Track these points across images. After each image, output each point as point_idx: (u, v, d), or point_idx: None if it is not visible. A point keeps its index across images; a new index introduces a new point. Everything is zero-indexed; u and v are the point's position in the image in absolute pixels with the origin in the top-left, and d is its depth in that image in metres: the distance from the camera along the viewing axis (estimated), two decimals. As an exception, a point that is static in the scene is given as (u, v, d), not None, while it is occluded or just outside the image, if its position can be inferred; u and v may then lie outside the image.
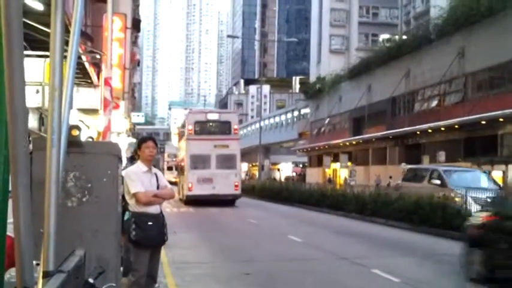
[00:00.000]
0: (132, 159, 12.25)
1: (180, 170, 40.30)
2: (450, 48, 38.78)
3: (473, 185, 21.27)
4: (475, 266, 10.80)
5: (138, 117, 55.34)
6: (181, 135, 41.43)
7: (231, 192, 34.02)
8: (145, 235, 6.86)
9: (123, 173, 7.30)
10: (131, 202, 6.94)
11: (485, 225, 11.15)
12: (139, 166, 7.12)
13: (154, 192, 7.04)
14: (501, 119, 31.52)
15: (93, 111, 19.53)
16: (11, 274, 3.19)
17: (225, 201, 33.29)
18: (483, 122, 33.19)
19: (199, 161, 34.25)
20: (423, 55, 42.95)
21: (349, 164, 54.29)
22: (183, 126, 39.13)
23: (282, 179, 72.04)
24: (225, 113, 45.51)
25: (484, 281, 10.47)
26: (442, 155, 34.67)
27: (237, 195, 34.89)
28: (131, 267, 7.13)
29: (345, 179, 52.37)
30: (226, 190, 33.52)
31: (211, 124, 35.94)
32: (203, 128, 35.43)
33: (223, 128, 35.36)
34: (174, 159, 68.02)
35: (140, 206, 6.92)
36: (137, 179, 6.95)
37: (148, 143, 7.16)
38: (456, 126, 36.25)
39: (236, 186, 34.23)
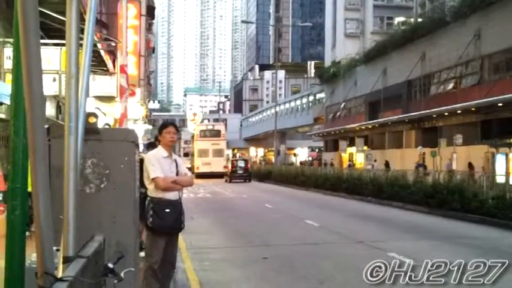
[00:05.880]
0: (149, 146, 12.30)
1: (192, 157, 64.97)
2: (466, 30, 38.42)
3: None
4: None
5: (153, 104, 58.06)
6: (193, 138, 67.84)
7: (221, 170, 55.22)
8: (162, 222, 6.86)
9: (144, 157, 7.33)
10: (150, 187, 6.94)
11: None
12: (160, 151, 7.11)
13: (173, 178, 7.03)
14: (518, 101, 31.25)
15: (109, 99, 19.62)
16: (31, 260, 3.24)
17: (218, 175, 53.49)
18: (500, 104, 32.90)
19: (202, 153, 59.19)
20: (439, 38, 42.59)
21: (365, 148, 54.11)
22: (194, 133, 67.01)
23: (298, 164, 72.27)
24: (216, 124, 70.26)
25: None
26: (459, 138, 34.44)
27: (224, 172, 54.51)
28: (146, 252, 7.19)
29: (348, 164, 54.19)
30: (218, 169, 55.96)
31: (209, 131, 61.85)
32: (205, 134, 61.37)
33: (216, 133, 61.37)
34: (190, 145, 70.60)
35: (158, 192, 6.93)
36: (157, 163, 6.93)
37: (169, 128, 7.16)
38: (473, 109, 35.98)
39: (226, 167, 54.78)
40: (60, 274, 2.84)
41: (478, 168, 29.95)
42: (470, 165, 32.68)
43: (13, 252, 2.87)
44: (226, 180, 50.02)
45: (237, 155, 77.47)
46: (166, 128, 7.17)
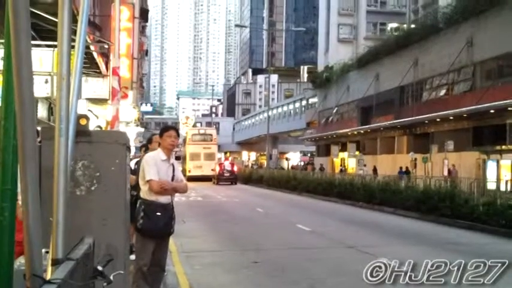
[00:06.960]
0: (142, 147, 12.28)
1: (183, 161, 64.43)
2: (458, 37, 38.56)
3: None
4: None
5: (145, 107, 57.89)
6: (184, 142, 67.67)
7: (211, 174, 54.94)
8: (152, 225, 6.87)
9: (143, 158, 7.33)
10: (144, 188, 6.95)
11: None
12: (159, 154, 7.13)
13: (170, 184, 7.04)
14: (510, 108, 31.32)
15: (101, 101, 19.57)
16: (20, 262, 3.22)
17: (209, 179, 54.18)
18: (492, 111, 33.03)
19: (194, 156, 59.87)
20: (431, 44, 42.72)
21: (357, 153, 54.21)
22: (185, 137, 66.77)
23: (290, 168, 72.45)
24: (208, 129, 71.82)
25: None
26: (450, 144, 34.58)
27: (214, 175, 54.66)
28: (136, 254, 7.19)
29: (340, 169, 55.68)
30: (208, 172, 55.71)
31: (200, 135, 62.69)
32: (196, 138, 62.12)
33: (207, 137, 62.32)
34: (182, 149, 71.00)
35: (151, 194, 6.93)
36: (154, 166, 6.95)
37: (170, 132, 7.20)
38: (465, 115, 36.09)
39: (213, 170, 55.00)
40: (48, 276, 2.82)
41: (467, 175, 30.05)
42: (449, 171, 33.10)
43: (1, 253, 2.85)
44: (213, 183, 52.58)
45: (230, 158, 77.77)
46: (167, 132, 7.22)
